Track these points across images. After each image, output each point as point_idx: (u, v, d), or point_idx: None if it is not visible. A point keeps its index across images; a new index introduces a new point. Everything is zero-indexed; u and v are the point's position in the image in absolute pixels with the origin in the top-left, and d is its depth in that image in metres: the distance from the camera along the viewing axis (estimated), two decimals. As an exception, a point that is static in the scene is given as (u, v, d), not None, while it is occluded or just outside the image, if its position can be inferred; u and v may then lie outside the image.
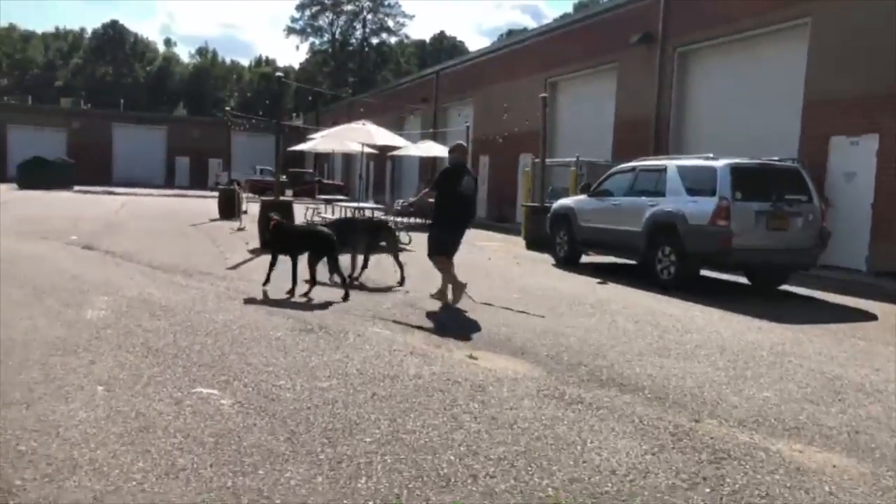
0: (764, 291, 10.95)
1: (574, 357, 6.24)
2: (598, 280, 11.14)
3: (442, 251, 8.56)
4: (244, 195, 22.73)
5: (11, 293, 8.06)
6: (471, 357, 6.10)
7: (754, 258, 9.99)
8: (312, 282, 8.70)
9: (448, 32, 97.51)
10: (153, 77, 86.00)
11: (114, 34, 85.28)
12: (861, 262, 12.92)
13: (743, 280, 11.69)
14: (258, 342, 6.28)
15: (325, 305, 8.12)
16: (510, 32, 67.53)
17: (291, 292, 8.54)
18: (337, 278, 8.88)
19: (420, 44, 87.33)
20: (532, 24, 74.60)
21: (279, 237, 9.06)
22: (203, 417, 4.37)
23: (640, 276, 11.28)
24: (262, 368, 5.47)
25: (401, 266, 9.95)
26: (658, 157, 13.06)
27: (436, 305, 8.43)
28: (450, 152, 8.95)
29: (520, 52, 26.06)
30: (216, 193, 23.68)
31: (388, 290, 9.44)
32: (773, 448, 4.26)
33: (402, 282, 9.64)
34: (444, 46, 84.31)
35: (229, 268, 10.97)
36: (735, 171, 9.84)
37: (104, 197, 33.07)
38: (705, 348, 6.80)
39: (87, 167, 47.04)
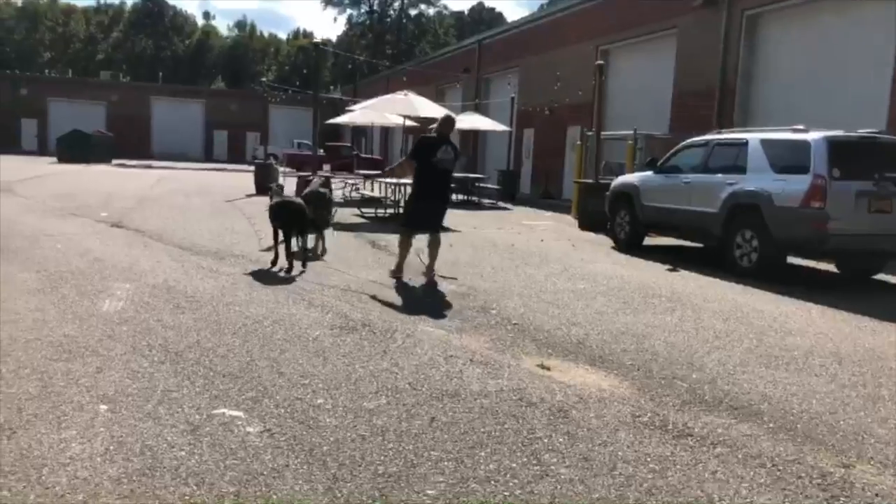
0: (856, 281, 9.75)
1: (665, 367, 5.24)
2: (668, 267, 10.05)
3: (415, 225, 8.26)
4: (281, 170, 21.96)
5: (26, 279, 7.32)
6: (542, 367, 5.14)
7: (852, 245, 8.79)
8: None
9: (487, 4, 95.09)
10: (192, 51, 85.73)
11: (153, 7, 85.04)
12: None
13: (828, 267, 10.50)
14: (293, 344, 5.40)
15: (366, 294, 7.22)
16: (551, 2, 65.47)
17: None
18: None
19: (458, 15, 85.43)
20: (575, -7, 71.65)
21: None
22: (224, 453, 3.49)
23: (713, 263, 10.15)
24: (298, 381, 4.58)
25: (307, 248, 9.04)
26: (736, 129, 11.80)
27: (488, 295, 7.46)
28: (439, 124, 8.35)
29: (568, 18, 24.64)
30: (253, 168, 22.96)
31: (432, 280, 8.50)
32: (963, 512, 3.23)
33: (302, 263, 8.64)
34: (484, 18, 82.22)
35: (263, 249, 10.12)
36: (832, 145, 8.61)
37: (142, 171, 32.68)
38: (817, 356, 5.74)
39: (126, 141, 46.88)
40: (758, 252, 9.18)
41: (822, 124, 9.68)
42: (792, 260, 10.39)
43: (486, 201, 21.69)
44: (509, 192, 23.83)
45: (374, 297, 7.19)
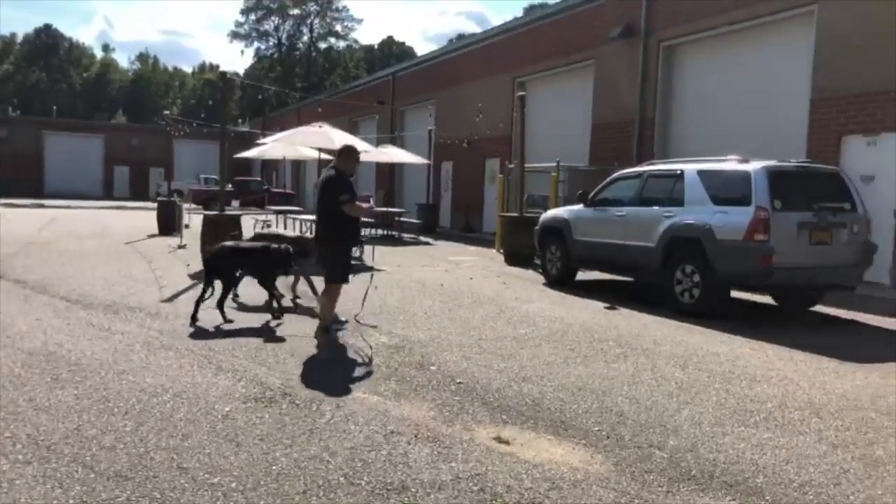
0: (797, 314, 9.50)
1: (637, 432, 4.58)
2: (606, 305, 9.53)
3: (345, 277, 7.18)
4: (186, 207, 20.59)
5: None
6: (500, 440, 4.38)
7: (795, 278, 8.51)
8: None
9: (397, 38, 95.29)
10: (90, 84, 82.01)
11: (47, 39, 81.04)
12: (884, 274, 11.64)
13: (764, 299, 10.26)
14: (198, 425, 4.44)
15: (285, 352, 6.30)
16: (460, 37, 66.11)
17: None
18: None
19: (368, 48, 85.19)
20: (478, 30, 72.87)
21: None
22: None
23: (650, 299, 9.73)
24: (204, 480, 3.65)
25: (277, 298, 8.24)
26: (670, 160, 11.55)
27: (424, 347, 6.67)
28: (339, 155, 7.18)
29: (483, 50, 24.46)
30: (156, 205, 21.46)
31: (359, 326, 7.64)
32: None
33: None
34: (394, 52, 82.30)
35: (165, 300, 9.02)
36: (773, 175, 8.34)
37: (33, 211, 30.29)
38: (792, 408, 5.22)
39: (15, 179, 43.79)
40: (700, 287, 8.78)
41: (742, 153, 9.47)
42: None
43: (406, 236, 20.96)
44: (430, 226, 23.22)
45: (293, 356, 6.29)
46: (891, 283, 11.69)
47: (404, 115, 31.26)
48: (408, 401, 5.12)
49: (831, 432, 4.71)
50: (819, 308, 9.75)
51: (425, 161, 23.71)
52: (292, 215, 17.91)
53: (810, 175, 8.96)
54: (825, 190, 8.73)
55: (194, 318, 7.52)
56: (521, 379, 5.78)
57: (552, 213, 12.09)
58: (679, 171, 9.46)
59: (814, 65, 12.99)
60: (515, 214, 15.06)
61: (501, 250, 15.75)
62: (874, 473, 4.03)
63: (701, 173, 9.13)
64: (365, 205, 6.95)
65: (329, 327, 7.09)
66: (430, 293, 10.19)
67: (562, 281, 11.33)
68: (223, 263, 7.86)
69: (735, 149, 10.89)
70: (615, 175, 10.99)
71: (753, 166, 8.50)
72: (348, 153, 7.07)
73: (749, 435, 4.61)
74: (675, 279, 9.13)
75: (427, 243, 19.84)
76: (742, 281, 8.71)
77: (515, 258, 14.29)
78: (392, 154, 21.29)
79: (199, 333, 7.07)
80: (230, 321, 7.55)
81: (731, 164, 8.95)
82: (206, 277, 7.82)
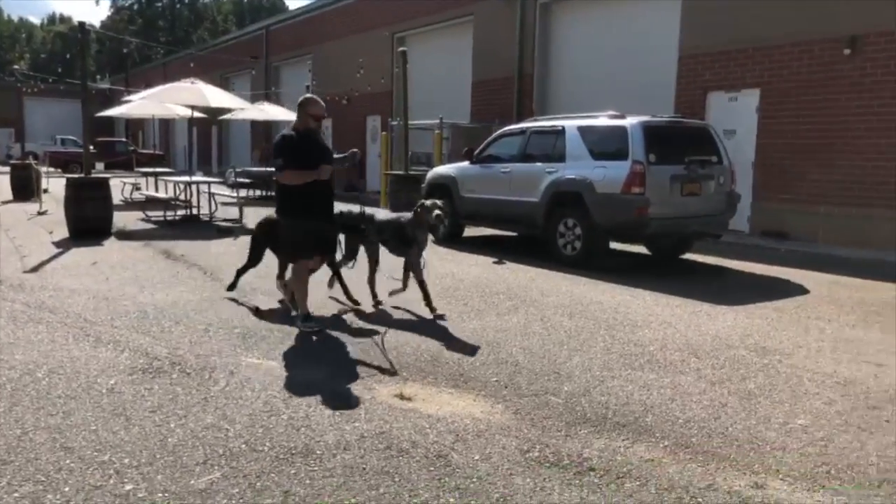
0: (668, 262, 10.06)
1: (532, 381, 4.72)
2: (494, 259, 9.72)
3: (301, 253, 6.00)
4: (43, 171, 19.09)
5: None
6: (402, 397, 4.40)
7: (669, 228, 8.98)
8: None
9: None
10: (-80, 34, 73.69)
11: None
12: (744, 222, 12.53)
13: (639, 249, 10.78)
14: (80, 402, 4.18)
15: (170, 321, 6.02)
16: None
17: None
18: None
19: (237, 1, 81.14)
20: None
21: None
22: None
23: (535, 252, 10.00)
24: (93, 458, 3.45)
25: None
26: (553, 116, 11.78)
27: (314, 309, 6.56)
28: (307, 112, 5.86)
29: (361, 3, 23.87)
30: (9, 169, 19.77)
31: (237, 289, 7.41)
32: (893, 527, 2.98)
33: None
34: (265, 5, 78.83)
35: (28, 270, 8.38)
36: (647, 130, 8.69)
37: None
38: (672, 350, 5.55)
39: None
40: (582, 240, 9.11)
41: (618, 109, 9.82)
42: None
43: (287, 197, 20.39)
44: (310, 186, 22.68)
45: (178, 323, 6.02)
46: (750, 231, 12.59)
47: (280, 70, 30.19)
48: (304, 364, 5.04)
49: (708, 370, 5.05)
50: (689, 255, 10.37)
51: (304, 119, 23.01)
52: (163, 177, 16.98)
53: (681, 129, 9.43)
54: (695, 143, 9.21)
55: (233, 286, 7.20)
56: (418, 335, 5.81)
57: (438, 170, 12.11)
58: (560, 128, 9.69)
59: (681, 23, 13.58)
60: (401, 172, 14.97)
61: (388, 208, 15.65)
62: (748, 406, 4.36)
63: (581, 129, 9.39)
64: (329, 168, 5.70)
65: (301, 318, 6.00)
66: (317, 254, 9.99)
67: (450, 237, 11.41)
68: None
69: (611, 104, 11.26)
70: (499, 132, 11.12)
71: (629, 122, 8.83)
72: (300, 106, 5.88)
73: (636, 377, 4.86)
74: (558, 232, 9.42)
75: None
76: (621, 232, 9.10)
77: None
78: (269, 111, 20.53)
79: (73, 304, 6.62)
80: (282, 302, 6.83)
81: (608, 120, 9.25)
82: (253, 250, 7.13)
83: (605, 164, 8.89)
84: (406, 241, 6.60)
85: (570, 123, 9.63)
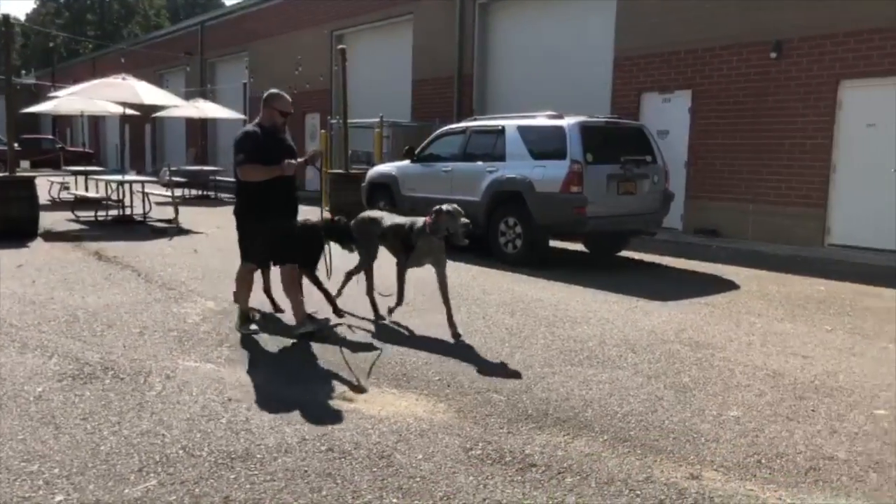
0: (605, 259, 10.26)
1: (475, 379, 4.75)
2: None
3: (267, 258, 5.85)
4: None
5: None
6: (343, 398, 4.36)
7: (606, 226, 9.16)
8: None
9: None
10: None
11: None
12: (677, 220, 12.86)
13: (577, 247, 10.97)
14: (5, 410, 4.02)
15: (102, 324, 5.83)
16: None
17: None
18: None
19: (171, -5, 79.05)
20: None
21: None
22: None
23: (476, 251, 10.04)
24: (21, 469, 3.31)
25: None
26: (493, 115, 11.86)
27: (254, 311, 6.46)
28: (272, 107, 5.59)
29: (300, 0, 23.58)
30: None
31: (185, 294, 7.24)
32: (819, 512, 3.11)
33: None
34: (199, 1, 77.05)
35: (-51, 274, 7.98)
36: (585, 130, 8.85)
37: None
38: (611, 345, 5.66)
39: None
40: (522, 238, 9.22)
41: (556, 109, 9.98)
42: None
43: (224, 196, 20.01)
44: (248, 185, 22.28)
45: (111, 327, 5.83)
46: (683, 229, 12.95)
47: (216, 67, 29.56)
48: (243, 366, 4.94)
49: (645, 365, 5.17)
50: (626, 253, 10.60)
51: (241, 116, 22.67)
52: (93, 176, 16.42)
53: (617, 130, 9.63)
54: (630, 144, 9.42)
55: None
56: (360, 335, 5.77)
57: (379, 169, 12.07)
58: (500, 127, 9.77)
59: (616, 25, 13.86)
60: (341, 171, 14.85)
61: (328, 208, 15.51)
62: (683, 399, 4.48)
63: (520, 129, 9.49)
64: (293, 163, 5.42)
65: (241, 319, 5.80)
66: (256, 254, 9.83)
67: None
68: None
69: (549, 104, 11.44)
70: (440, 131, 11.15)
71: (567, 122, 8.97)
72: (265, 101, 5.60)
73: (576, 373, 4.94)
74: (499, 231, 9.50)
75: (247, 203, 19.05)
76: (560, 230, 9.24)
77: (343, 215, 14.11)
78: (204, 109, 20.11)
79: (-4, 309, 6.35)
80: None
81: (546, 120, 9.37)
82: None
83: (545, 163, 9.01)
84: (406, 247, 6.08)
85: (510, 123, 9.73)
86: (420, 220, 6.08)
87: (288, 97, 5.74)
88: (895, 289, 8.30)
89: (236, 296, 5.94)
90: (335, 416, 4.04)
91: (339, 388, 4.54)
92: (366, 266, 6.48)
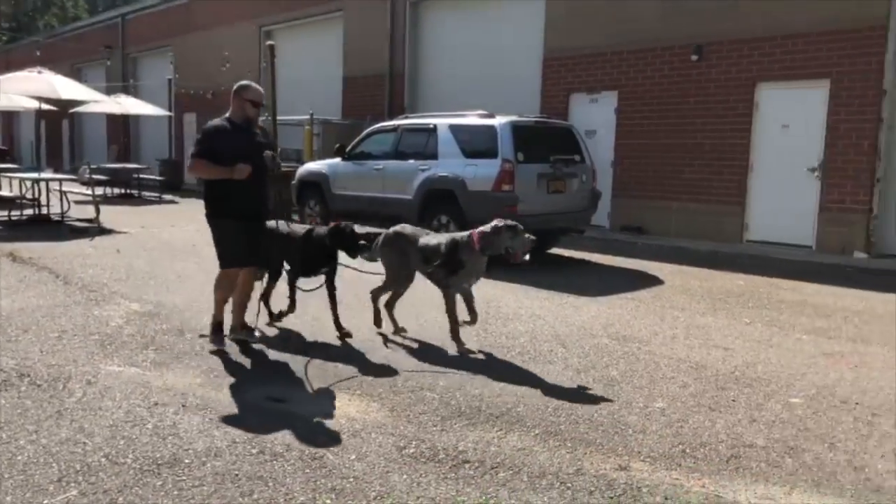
0: (537, 257, 10.39)
1: (409, 377, 4.75)
2: (367, 255, 9.66)
3: (241, 261, 5.32)
4: None
5: None
6: (274, 399, 4.30)
7: (537, 224, 9.18)
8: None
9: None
10: None
11: None
12: (604, 218, 13.16)
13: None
14: (-88, 422, 3.79)
15: (17, 328, 5.57)
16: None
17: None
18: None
19: (91, -14, 76.15)
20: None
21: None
22: None
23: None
24: (-72, 484, 3.14)
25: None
26: (425, 114, 11.86)
27: (182, 312, 6.30)
28: (234, 95, 5.24)
29: (226, -5, 23.06)
30: None
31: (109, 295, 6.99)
32: (739, 498, 3.24)
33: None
34: (120, -9, 74.43)
35: None
36: (515, 129, 8.96)
37: None
38: (542, 341, 5.76)
39: None
40: (454, 236, 9.25)
41: (486, 108, 10.08)
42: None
43: (148, 195, 19.40)
44: (174, 184, 21.68)
45: (27, 332, 5.58)
46: (610, 226, 13.26)
47: (138, 62, 28.60)
48: (170, 370, 4.81)
49: (574, 359, 5.28)
50: (556, 250, 10.78)
51: (165, 113, 22.06)
52: (6, 174, 15.66)
53: (547, 129, 9.79)
54: (559, 143, 9.59)
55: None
56: (293, 336, 5.69)
57: (309, 167, 11.92)
58: (432, 126, 9.79)
59: (544, 26, 14.07)
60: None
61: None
62: (611, 391, 4.60)
63: (452, 128, 9.53)
64: (247, 168, 4.97)
65: (214, 331, 5.33)
66: (182, 255, 9.59)
67: None
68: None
69: (480, 103, 11.54)
70: (371, 129, 11.09)
71: (498, 121, 9.06)
72: (235, 93, 5.23)
73: (508, 369, 5.00)
74: (432, 229, 9.50)
75: (172, 202, 18.57)
76: (492, 228, 9.31)
77: (273, 213, 13.87)
78: (126, 105, 19.45)
79: None
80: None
81: (478, 119, 9.45)
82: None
83: (477, 162, 9.08)
84: (451, 267, 5.43)
85: (442, 122, 9.76)
86: (463, 236, 5.51)
87: (259, 87, 5.38)
88: (808, 282, 8.71)
89: (215, 309, 5.37)
90: (266, 419, 3.98)
91: (271, 390, 4.47)
92: (396, 288, 5.92)
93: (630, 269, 9.57)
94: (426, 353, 5.36)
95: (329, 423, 3.94)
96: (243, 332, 5.45)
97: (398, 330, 5.84)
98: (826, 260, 10.11)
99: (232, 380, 4.65)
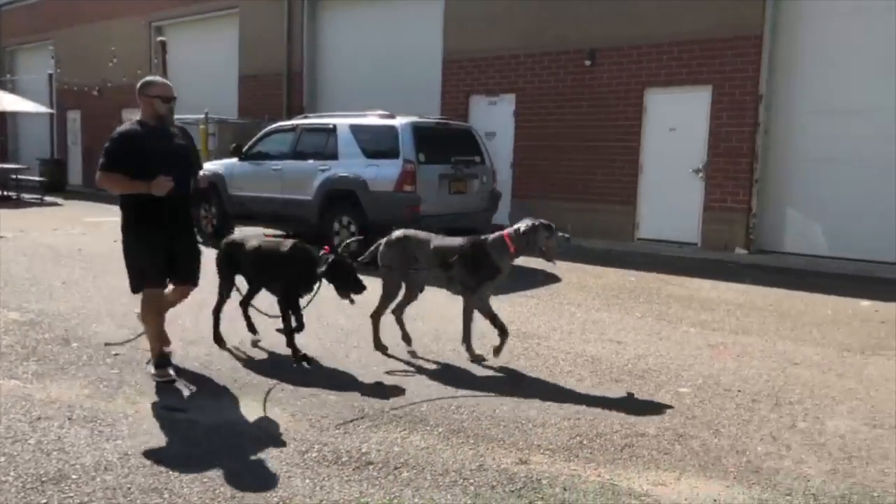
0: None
1: (310, 381, 4.70)
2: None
3: (156, 277, 4.68)
4: None
5: None
6: (172, 409, 4.15)
7: (440, 224, 9.30)
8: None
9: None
10: None
11: None
12: (505, 218, 13.35)
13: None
14: None
15: None
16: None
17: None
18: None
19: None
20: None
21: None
22: None
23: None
24: None
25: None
26: (324, 113, 11.70)
27: (67, 320, 5.98)
28: (140, 94, 4.65)
29: (114, -12, 22.00)
30: None
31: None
32: (633, 485, 3.38)
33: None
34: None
35: None
36: (416, 130, 9.01)
37: None
38: (445, 340, 5.83)
39: None
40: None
41: (387, 109, 10.09)
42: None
43: (28, 197, 18.26)
44: (57, 185, 20.50)
45: None
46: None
47: (15, 55, 26.87)
48: (55, 381, 4.55)
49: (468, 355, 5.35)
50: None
51: (47, 110, 20.83)
52: None
53: (447, 131, 9.90)
54: (460, 144, 9.72)
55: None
56: (186, 342, 5.51)
57: (205, 167, 11.51)
58: (332, 126, 9.71)
59: (444, 29, 14.21)
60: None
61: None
62: (512, 387, 4.70)
63: (352, 128, 9.49)
64: (168, 183, 4.42)
65: (153, 363, 4.74)
66: (66, 260, 9.09)
67: (219, 236, 10.93)
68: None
69: (381, 104, 11.51)
70: (269, 128, 10.89)
71: (399, 122, 9.09)
72: (139, 92, 4.63)
73: (412, 369, 5.02)
74: (332, 231, 9.43)
75: (55, 204, 17.56)
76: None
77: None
78: (2, 101, 18.23)
79: None
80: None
81: (378, 120, 9.44)
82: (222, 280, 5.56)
83: (378, 162, 9.07)
84: (485, 272, 5.13)
85: (342, 122, 9.69)
86: (489, 237, 5.21)
87: (166, 80, 4.81)
88: (694, 278, 9.19)
89: (149, 336, 4.79)
90: (162, 429, 3.84)
91: (166, 399, 4.31)
92: (395, 301, 5.51)
93: (529, 267, 9.75)
94: (324, 358, 5.31)
95: (229, 431, 3.84)
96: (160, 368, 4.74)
97: (407, 339, 5.49)
98: (710, 256, 10.70)
99: (126, 389, 4.45)
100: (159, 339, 4.74)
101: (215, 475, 3.31)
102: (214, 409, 4.17)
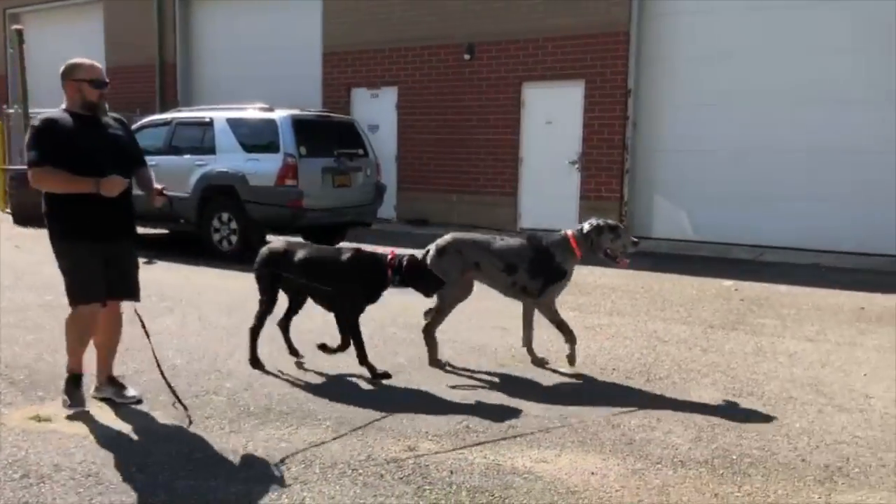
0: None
1: (192, 382, 4.59)
2: (144, 259, 9.01)
3: (92, 294, 4.05)
4: None
5: None
6: (39, 419, 3.94)
7: (324, 218, 9.30)
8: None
9: None
10: None
11: None
12: (391, 211, 13.45)
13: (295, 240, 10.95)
14: None
15: None
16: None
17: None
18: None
19: None
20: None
21: None
22: None
23: (191, 249, 9.60)
24: None
25: None
26: (200, 107, 11.25)
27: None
28: (64, 80, 4.04)
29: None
30: None
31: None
32: (516, 463, 3.52)
33: None
34: None
35: None
36: (297, 123, 8.88)
37: None
38: (334, 335, 5.79)
39: None
40: (238, 234, 9.00)
41: (266, 102, 9.86)
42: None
43: None
44: None
45: None
46: (396, 219, 13.60)
47: None
48: None
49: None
50: (343, 244, 10.83)
51: None
52: None
53: (329, 124, 9.83)
54: (342, 137, 9.67)
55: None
56: (52, 350, 5.20)
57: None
58: (208, 119, 9.42)
59: (322, 22, 14.05)
60: (23, 168, 13.09)
61: (8, 210, 13.66)
62: (400, 378, 4.77)
63: (230, 121, 9.25)
64: (122, 182, 3.96)
65: (70, 388, 4.11)
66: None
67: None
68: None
69: (260, 97, 11.22)
70: (141, 122, 10.39)
71: (279, 115, 8.94)
72: (63, 78, 4.03)
73: (293, 366, 4.98)
74: (212, 227, 9.17)
75: None
76: (276, 224, 9.14)
77: (28, 217, 12.50)
78: None
79: None
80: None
81: (257, 113, 9.25)
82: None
83: (258, 156, 8.89)
84: (550, 276, 4.89)
85: (219, 115, 9.42)
86: (553, 238, 4.99)
87: (94, 62, 4.20)
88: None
89: (71, 353, 4.15)
90: (30, 440, 3.63)
91: (33, 408, 4.08)
92: (446, 307, 5.18)
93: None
94: (206, 359, 5.18)
95: (105, 439, 3.69)
96: (110, 389, 4.27)
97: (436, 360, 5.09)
98: (588, 243, 11.16)
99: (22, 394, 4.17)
100: (77, 365, 4.13)
101: (91, 484, 3.18)
102: (84, 418, 3.97)
